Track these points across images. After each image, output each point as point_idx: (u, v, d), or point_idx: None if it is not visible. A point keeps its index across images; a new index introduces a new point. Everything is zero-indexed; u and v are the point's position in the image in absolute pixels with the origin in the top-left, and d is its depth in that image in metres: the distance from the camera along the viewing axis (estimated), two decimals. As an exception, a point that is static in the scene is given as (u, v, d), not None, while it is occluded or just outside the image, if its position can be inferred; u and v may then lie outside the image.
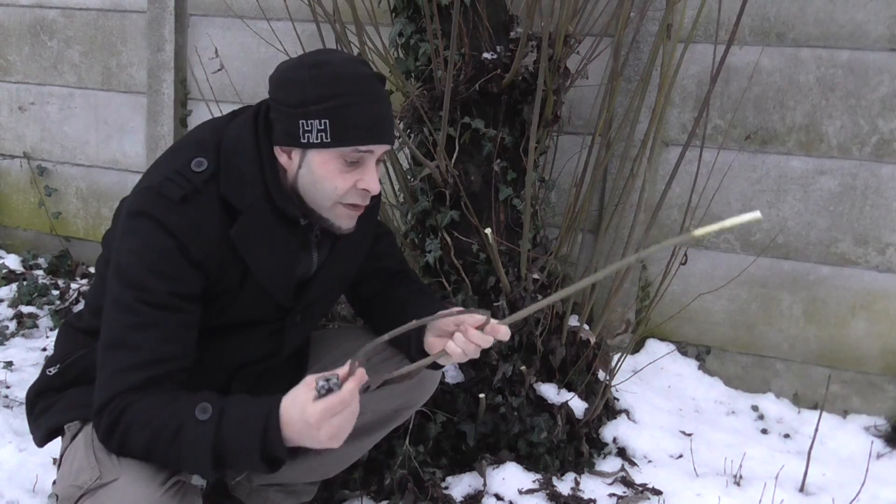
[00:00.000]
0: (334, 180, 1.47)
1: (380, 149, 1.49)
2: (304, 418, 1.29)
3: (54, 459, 2.15)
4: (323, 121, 1.43)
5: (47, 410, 1.59)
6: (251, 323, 1.61)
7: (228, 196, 1.47)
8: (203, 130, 1.57)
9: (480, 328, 1.45)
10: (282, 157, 1.50)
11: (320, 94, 1.44)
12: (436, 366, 1.62)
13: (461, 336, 1.47)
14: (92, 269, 3.57)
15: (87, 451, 1.46)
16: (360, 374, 1.31)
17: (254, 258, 1.51)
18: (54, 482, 1.51)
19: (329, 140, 1.44)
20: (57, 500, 1.49)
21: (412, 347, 1.64)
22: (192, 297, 1.46)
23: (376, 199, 1.79)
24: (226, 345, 1.59)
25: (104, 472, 1.40)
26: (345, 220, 1.53)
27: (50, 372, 1.63)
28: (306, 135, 1.45)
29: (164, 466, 1.41)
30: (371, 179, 1.49)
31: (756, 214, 1.04)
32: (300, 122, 1.45)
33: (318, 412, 1.27)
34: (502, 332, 1.45)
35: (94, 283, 1.66)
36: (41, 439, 1.60)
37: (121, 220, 1.50)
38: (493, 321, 1.45)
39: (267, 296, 1.57)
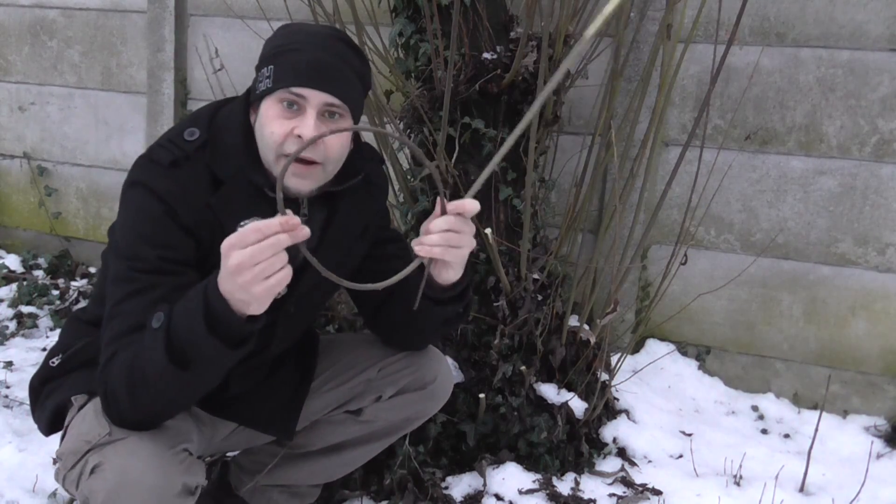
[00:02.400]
0: (272, 125, 1.45)
1: (314, 95, 1.44)
2: (222, 254, 1.24)
3: (54, 459, 2.15)
4: (269, 67, 1.46)
5: (53, 392, 1.60)
6: None
7: (213, 166, 1.50)
8: (204, 107, 1.61)
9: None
10: (252, 118, 1.52)
11: (273, 45, 1.49)
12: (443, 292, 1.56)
13: (429, 235, 1.41)
14: (92, 269, 3.57)
15: (97, 415, 1.45)
16: (291, 220, 1.23)
17: (236, 229, 1.50)
18: (55, 459, 1.49)
19: (271, 85, 1.45)
20: (57, 462, 1.49)
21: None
22: (184, 261, 1.46)
23: (381, 193, 1.76)
24: None
25: (114, 431, 1.41)
26: (293, 179, 1.47)
27: (53, 363, 1.64)
28: (259, 84, 1.48)
29: (156, 409, 1.41)
30: (304, 126, 1.43)
31: None
32: (258, 73, 1.49)
33: (229, 240, 1.22)
34: (467, 205, 1.39)
35: (100, 274, 1.67)
36: (47, 421, 1.60)
37: (120, 196, 1.52)
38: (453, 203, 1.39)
39: None
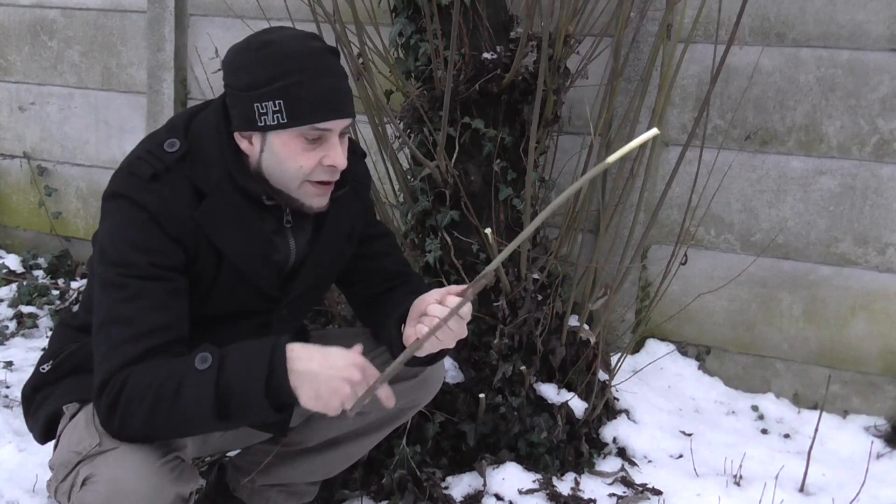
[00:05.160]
0: (298, 159, 1.46)
1: (338, 124, 1.47)
2: (327, 360, 1.35)
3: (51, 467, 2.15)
4: (277, 101, 1.42)
5: (45, 401, 1.60)
6: (238, 314, 1.60)
7: (194, 178, 1.48)
8: (179, 115, 1.59)
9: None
10: (242, 144, 1.50)
11: (270, 75, 1.43)
12: (426, 360, 1.59)
13: (427, 317, 1.44)
14: (92, 269, 3.57)
15: (87, 425, 1.45)
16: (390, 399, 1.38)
17: (222, 239, 1.50)
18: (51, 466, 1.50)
19: (286, 120, 1.43)
20: (51, 471, 1.48)
21: (394, 347, 1.62)
22: (174, 267, 1.46)
23: (365, 191, 1.78)
24: (213, 337, 1.56)
25: (104, 441, 1.40)
26: (315, 199, 1.51)
27: (44, 369, 1.63)
28: (262, 118, 1.44)
29: (167, 435, 1.40)
30: (336, 155, 1.47)
31: (653, 131, 1.05)
32: (254, 105, 1.44)
33: (347, 363, 1.36)
34: (452, 302, 1.42)
35: (87, 282, 1.66)
36: (41, 430, 1.60)
37: (101, 206, 1.52)
38: (450, 295, 1.42)
39: (248, 282, 1.56)
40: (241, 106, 1.46)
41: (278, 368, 1.33)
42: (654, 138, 2.42)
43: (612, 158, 1.11)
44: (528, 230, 1.22)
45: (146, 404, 1.35)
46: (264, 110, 1.43)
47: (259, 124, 1.45)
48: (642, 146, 2.45)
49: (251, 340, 1.39)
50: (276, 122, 1.43)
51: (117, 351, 1.39)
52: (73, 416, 1.52)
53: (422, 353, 1.51)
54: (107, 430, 1.40)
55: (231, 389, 1.33)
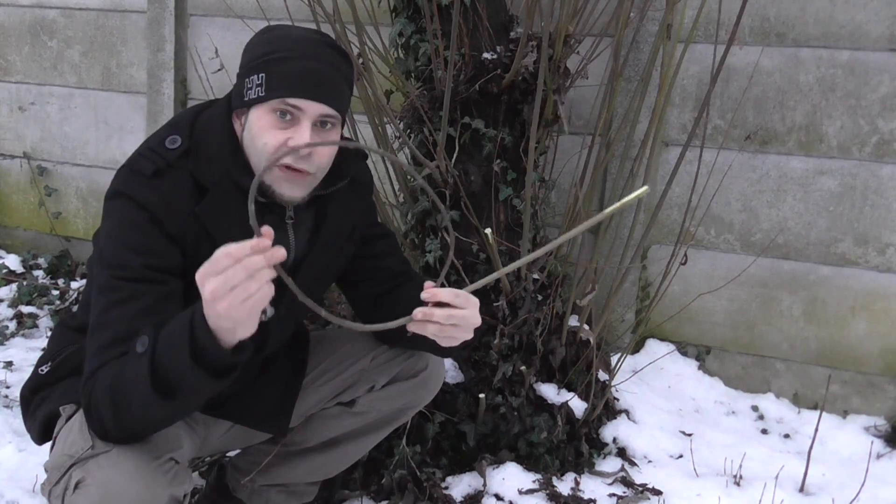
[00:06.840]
0: (265, 136, 1.44)
1: (311, 106, 1.43)
2: (198, 284, 1.20)
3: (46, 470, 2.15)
4: (260, 75, 1.43)
5: (43, 402, 1.60)
6: None
7: (197, 174, 1.48)
8: (182, 112, 1.59)
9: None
10: (236, 125, 1.51)
11: (262, 51, 1.46)
12: (444, 351, 1.59)
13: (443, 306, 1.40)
14: (92, 269, 3.57)
15: (81, 427, 1.44)
16: (262, 242, 1.18)
17: (223, 235, 1.47)
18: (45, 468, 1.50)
19: (263, 94, 1.43)
20: (46, 473, 1.47)
21: (417, 342, 1.58)
22: (169, 270, 1.45)
23: (366, 191, 1.77)
24: None
25: (97, 444, 1.39)
26: (285, 185, 1.47)
27: (42, 370, 1.63)
28: (248, 92, 1.45)
29: (142, 429, 1.39)
30: (300, 138, 1.43)
31: (644, 189, 1.07)
32: (244, 80, 1.46)
33: (203, 269, 1.18)
34: (439, 294, 1.38)
35: (86, 282, 1.66)
36: (38, 431, 1.60)
37: (103, 206, 1.52)
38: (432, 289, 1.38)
39: None
40: (237, 84, 1.49)
41: (198, 328, 1.24)
42: (655, 139, 2.44)
43: (606, 213, 1.13)
44: (527, 258, 1.20)
45: (107, 401, 1.34)
46: (250, 84, 1.45)
47: (245, 98, 1.46)
48: (642, 147, 2.46)
49: (182, 312, 1.31)
50: (256, 96, 1.44)
51: (99, 355, 1.39)
52: (69, 419, 1.52)
53: (448, 344, 1.47)
54: (94, 432, 1.40)
55: (163, 364, 1.27)
